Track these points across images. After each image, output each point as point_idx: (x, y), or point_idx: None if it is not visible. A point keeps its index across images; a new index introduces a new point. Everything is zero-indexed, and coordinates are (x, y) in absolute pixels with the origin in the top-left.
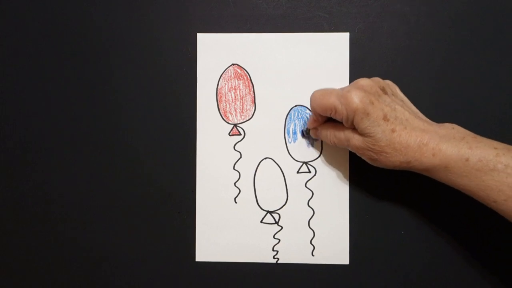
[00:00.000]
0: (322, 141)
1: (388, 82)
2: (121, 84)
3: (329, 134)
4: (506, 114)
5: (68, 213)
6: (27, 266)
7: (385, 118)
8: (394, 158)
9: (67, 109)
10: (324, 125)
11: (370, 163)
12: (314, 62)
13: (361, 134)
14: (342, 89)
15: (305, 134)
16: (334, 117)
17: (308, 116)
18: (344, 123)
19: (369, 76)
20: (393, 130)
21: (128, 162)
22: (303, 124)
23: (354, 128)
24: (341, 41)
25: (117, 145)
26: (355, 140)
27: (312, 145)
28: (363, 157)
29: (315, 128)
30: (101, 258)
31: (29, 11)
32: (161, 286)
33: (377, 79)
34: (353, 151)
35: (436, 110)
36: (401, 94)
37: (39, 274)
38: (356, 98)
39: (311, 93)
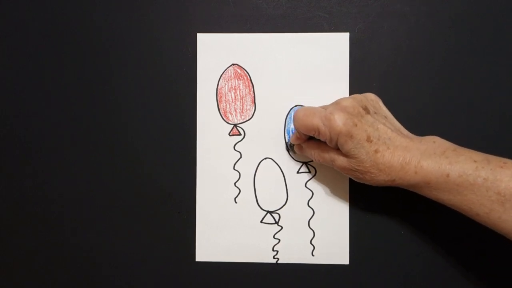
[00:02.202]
0: None
1: (371, 97)
2: (121, 84)
3: (314, 153)
4: (506, 114)
5: (68, 213)
6: (27, 266)
7: (369, 139)
8: (379, 178)
9: (67, 109)
10: (308, 143)
11: (357, 181)
12: (314, 62)
13: (346, 155)
14: (326, 109)
15: (289, 147)
16: (317, 137)
17: None
18: (328, 143)
19: (369, 76)
20: (376, 151)
21: (128, 162)
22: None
23: (338, 149)
24: (341, 41)
25: (117, 145)
26: (340, 161)
27: (295, 157)
28: (349, 176)
29: (299, 145)
30: (101, 258)
31: (29, 11)
32: (161, 286)
33: (359, 97)
34: (338, 170)
35: (435, 110)
36: (384, 109)
37: (39, 274)
38: (339, 121)
39: (294, 112)
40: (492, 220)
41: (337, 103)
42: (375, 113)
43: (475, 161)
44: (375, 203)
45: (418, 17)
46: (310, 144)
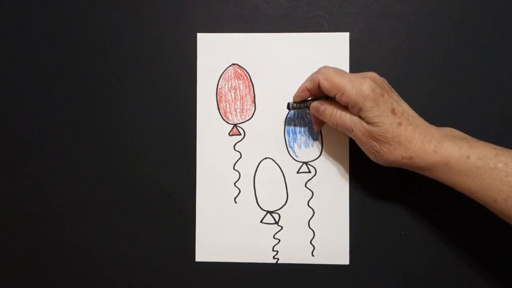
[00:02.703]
0: (322, 141)
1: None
2: (121, 84)
3: (336, 113)
4: (506, 114)
5: (68, 213)
6: (27, 266)
7: (393, 112)
8: (396, 152)
9: (67, 109)
10: (331, 103)
11: (371, 157)
12: (314, 62)
13: (368, 122)
14: (355, 74)
15: (292, 107)
16: (338, 99)
17: (308, 116)
18: (349, 108)
19: None
20: (400, 124)
21: (128, 162)
22: (303, 124)
23: (360, 117)
24: (341, 41)
25: (117, 145)
26: (361, 127)
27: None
28: (364, 149)
29: (317, 106)
30: (101, 258)
31: (29, 11)
32: (161, 286)
33: (382, 78)
34: (354, 139)
35: (436, 110)
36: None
37: (39, 274)
38: (368, 86)
39: (323, 69)
40: (510, 207)
41: (365, 73)
42: (397, 96)
43: (495, 148)
44: (375, 203)
45: (418, 17)
46: (333, 104)
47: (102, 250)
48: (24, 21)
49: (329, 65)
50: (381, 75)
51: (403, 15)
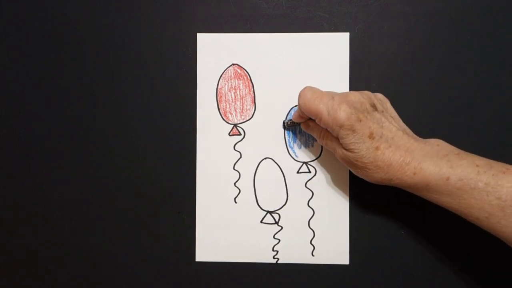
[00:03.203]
0: None
1: (380, 96)
2: (121, 84)
3: (320, 136)
4: (506, 114)
5: (68, 213)
6: (27, 266)
7: (371, 136)
8: (376, 175)
9: (67, 109)
10: (316, 124)
11: (355, 173)
12: (314, 62)
13: (345, 148)
14: (333, 97)
15: (286, 125)
16: (317, 123)
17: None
18: (330, 131)
19: (369, 76)
20: (377, 148)
21: (128, 162)
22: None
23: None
24: (341, 41)
25: (117, 145)
26: (340, 151)
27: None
28: (348, 168)
29: (307, 123)
30: (101, 258)
31: (29, 11)
32: (161, 286)
33: (368, 94)
34: (338, 159)
35: (435, 110)
36: (391, 110)
37: (39, 274)
38: (343, 114)
39: (302, 90)
40: (492, 225)
41: (345, 96)
42: (383, 111)
43: (477, 166)
44: (375, 203)
45: (418, 17)
46: (318, 126)
47: (102, 250)
48: (24, 21)
49: (311, 86)
50: (381, 75)
51: (403, 15)
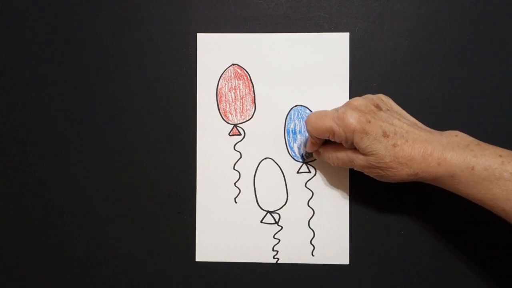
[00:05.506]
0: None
1: (382, 96)
2: (121, 84)
3: (331, 157)
4: (506, 114)
5: (68, 213)
6: (27, 265)
7: (385, 134)
8: (401, 172)
9: (67, 109)
10: (324, 147)
11: (379, 179)
12: (314, 62)
13: (363, 153)
14: (337, 110)
15: (305, 157)
16: (332, 139)
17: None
18: (343, 144)
19: (369, 76)
20: (394, 145)
21: (128, 162)
22: (303, 124)
23: (355, 149)
24: (341, 41)
25: (117, 145)
26: (359, 160)
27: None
28: (371, 175)
29: (317, 151)
30: (101, 258)
31: (29, 11)
32: (161, 286)
33: (370, 96)
34: (359, 170)
35: (436, 110)
36: (396, 107)
37: (39, 274)
38: (352, 119)
39: (307, 117)
40: None
41: (348, 104)
42: (388, 110)
43: (500, 156)
44: (375, 203)
45: (418, 17)
46: (327, 148)
47: (102, 250)
48: (24, 21)
49: (314, 110)
50: (381, 75)
51: (403, 15)
